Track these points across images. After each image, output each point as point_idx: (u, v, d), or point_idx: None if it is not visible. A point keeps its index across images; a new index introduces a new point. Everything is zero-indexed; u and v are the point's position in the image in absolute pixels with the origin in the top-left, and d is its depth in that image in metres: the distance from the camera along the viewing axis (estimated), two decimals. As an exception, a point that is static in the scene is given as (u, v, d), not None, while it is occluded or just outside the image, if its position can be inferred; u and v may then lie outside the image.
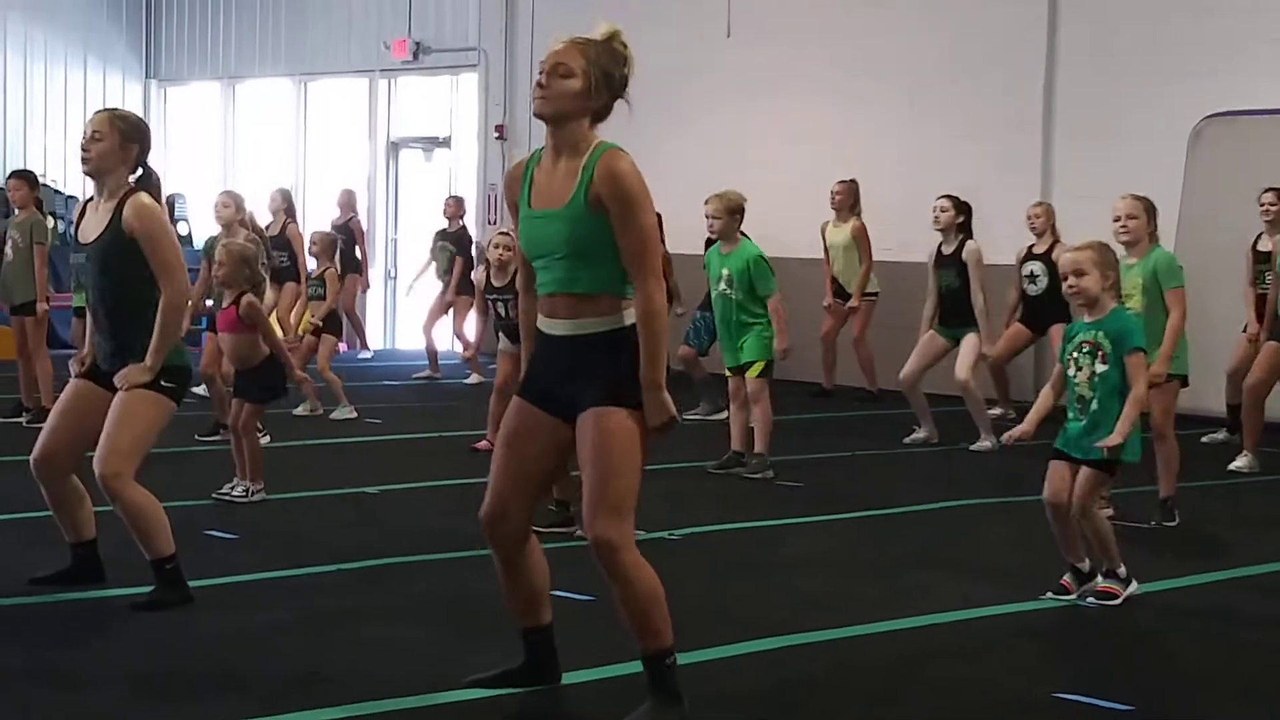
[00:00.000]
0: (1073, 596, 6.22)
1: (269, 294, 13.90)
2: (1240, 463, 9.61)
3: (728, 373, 9.31)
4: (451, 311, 14.60)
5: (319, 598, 6.05)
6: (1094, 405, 6.12)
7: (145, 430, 5.72)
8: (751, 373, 9.12)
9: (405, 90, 18.68)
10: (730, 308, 9.12)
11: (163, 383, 5.72)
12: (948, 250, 10.40)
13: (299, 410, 11.47)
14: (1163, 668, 5.55)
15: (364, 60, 18.46)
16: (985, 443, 10.39)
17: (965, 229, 10.45)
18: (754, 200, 12.81)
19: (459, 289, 14.17)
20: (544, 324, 4.51)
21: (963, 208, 10.45)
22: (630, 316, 4.38)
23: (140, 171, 5.92)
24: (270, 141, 19.55)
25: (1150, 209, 7.73)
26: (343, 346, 16.09)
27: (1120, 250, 7.52)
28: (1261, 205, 10.18)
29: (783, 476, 9.19)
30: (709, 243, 10.02)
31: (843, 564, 7.02)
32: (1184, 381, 7.74)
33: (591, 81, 4.36)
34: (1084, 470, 6.14)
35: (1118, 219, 7.62)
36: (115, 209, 5.76)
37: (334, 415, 11.38)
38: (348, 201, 16.23)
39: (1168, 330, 7.43)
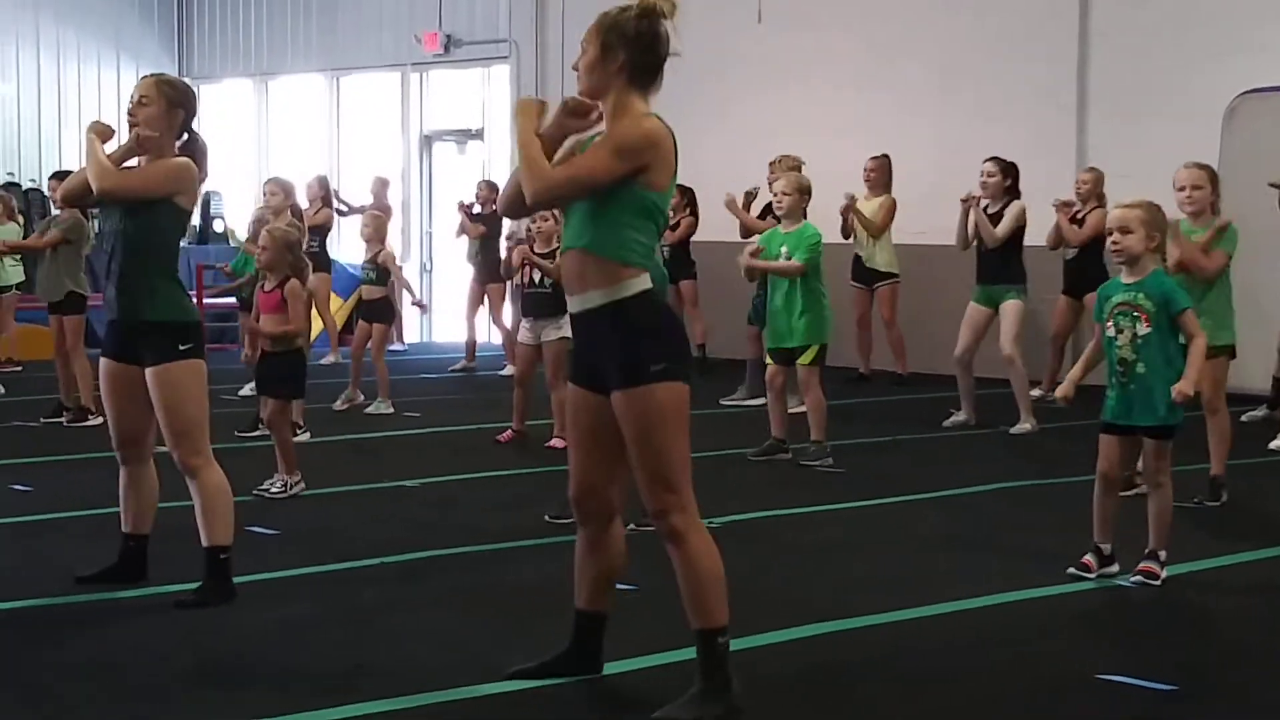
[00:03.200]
0: (1093, 576, 6.20)
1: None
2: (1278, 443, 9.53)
3: (768, 360, 9.29)
4: (487, 300, 14.61)
5: (360, 591, 6.08)
6: (1139, 368, 6.07)
7: (197, 400, 5.80)
8: (804, 360, 9.09)
9: (437, 83, 18.70)
10: (787, 289, 9.09)
11: (180, 347, 5.77)
12: (993, 211, 10.44)
13: (337, 405, 11.50)
14: (1205, 647, 5.51)
15: (395, 54, 18.49)
16: (1025, 425, 10.35)
17: (1013, 191, 10.46)
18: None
19: (492, 277, 14.14)
20: (570, 301, 4.55)
21: (1010, 170, 10.45)
22: (635, 286, 4.39)
23: (186, 137, 5.95)
24: (303, 137, 19.61)
25: (1213, 177, 7.66)
26: (398, 345, 15.96)
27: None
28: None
29: (826, 462, 9.16)
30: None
31: (883, 549, 7.01)
32: (1232, 353, 7.67)
33: (600, 46, 4.40)
34: (1147, 443, 6.12)
35: (1182, 189, 7.54)
36: None
37: (369, 409, 11.32)
38: (381, 189, 16.25)
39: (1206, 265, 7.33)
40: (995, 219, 10.43)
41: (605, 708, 4.67)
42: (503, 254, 13.24)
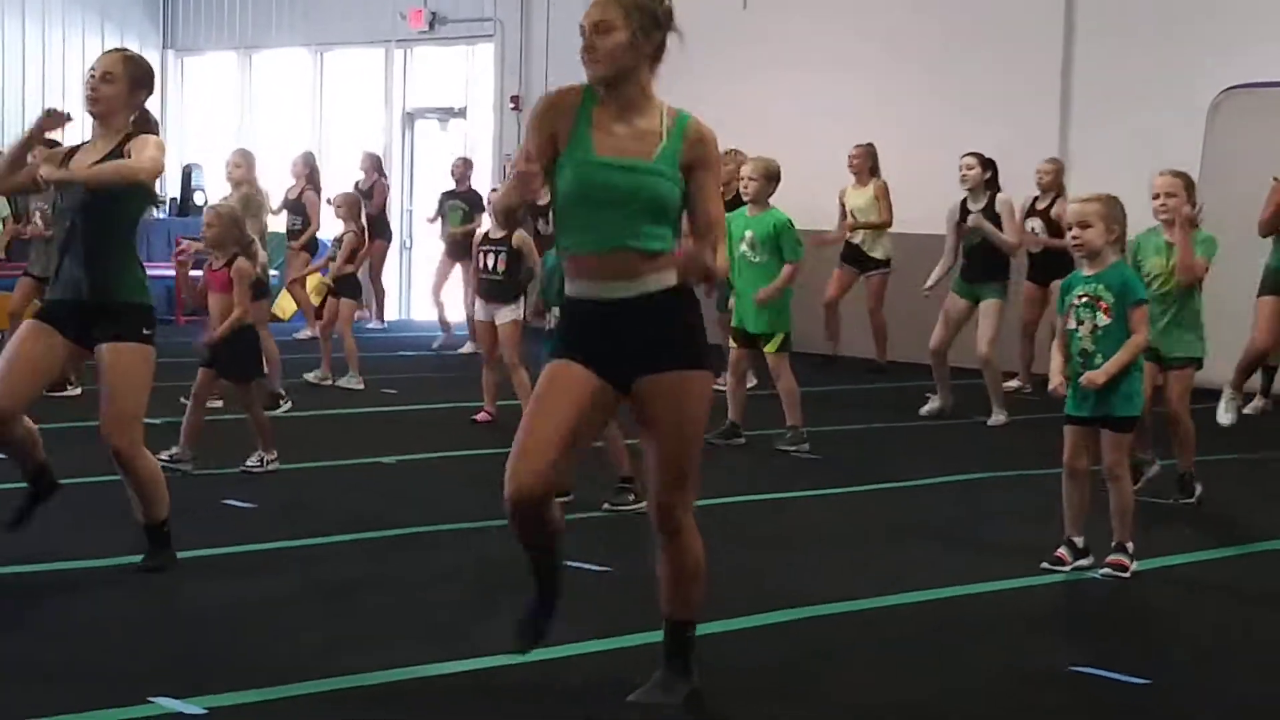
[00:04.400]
0: (1066, 569, 6.22)
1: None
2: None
3: (732, 343, 9.30)
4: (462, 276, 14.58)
5: (337, 567, 6.07)
6: (1098, 360, 6.10)
7: (146, 388, 5.72)
8: (770, 348, 9.12)
9: (421, 60, 18.64)
10: (751, 271, 9.11)
11: (144, 330, 5.70)
12: (975, 207, 10.40)
13: (310, 376, 11.48)
14: (1179, 642, 5.55)
15: (380, 30, 18.42)
16: (999, 417, 10.39)
17: (993, 185, 10.46)
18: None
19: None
20: (589, 288, 4.24)
21: (989, 164, 10.46)
22: (674, 275, 4.25)
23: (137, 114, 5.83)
24: (286, 112, 19.52)
25: (1189, 185, 7.63)
26: (363, 313, 16.02)
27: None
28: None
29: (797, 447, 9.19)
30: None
31: (857, 537, 7.02)
32: (1199, 365, 7.68)
33: (635, 26, 4.15)
34: (1104, 434, 6.15)
35: (1156, 196, 7.47)
36: (116, 149, 5.69)
37: (340, 382, 11.35)
38: (372, 165, 16.19)
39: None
40: (980, 215, 10.38)
41: (579, 687, 4.66)
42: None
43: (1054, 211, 11.44)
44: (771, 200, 9.32)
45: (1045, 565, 6.24)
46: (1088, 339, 6.15)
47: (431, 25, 17.88)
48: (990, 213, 10.36)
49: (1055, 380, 6.29)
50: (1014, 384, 11.72)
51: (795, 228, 9.20)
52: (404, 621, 5.29)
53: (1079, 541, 6.26)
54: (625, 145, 4.18)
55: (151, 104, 6.02)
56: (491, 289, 9.54)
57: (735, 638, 5.21)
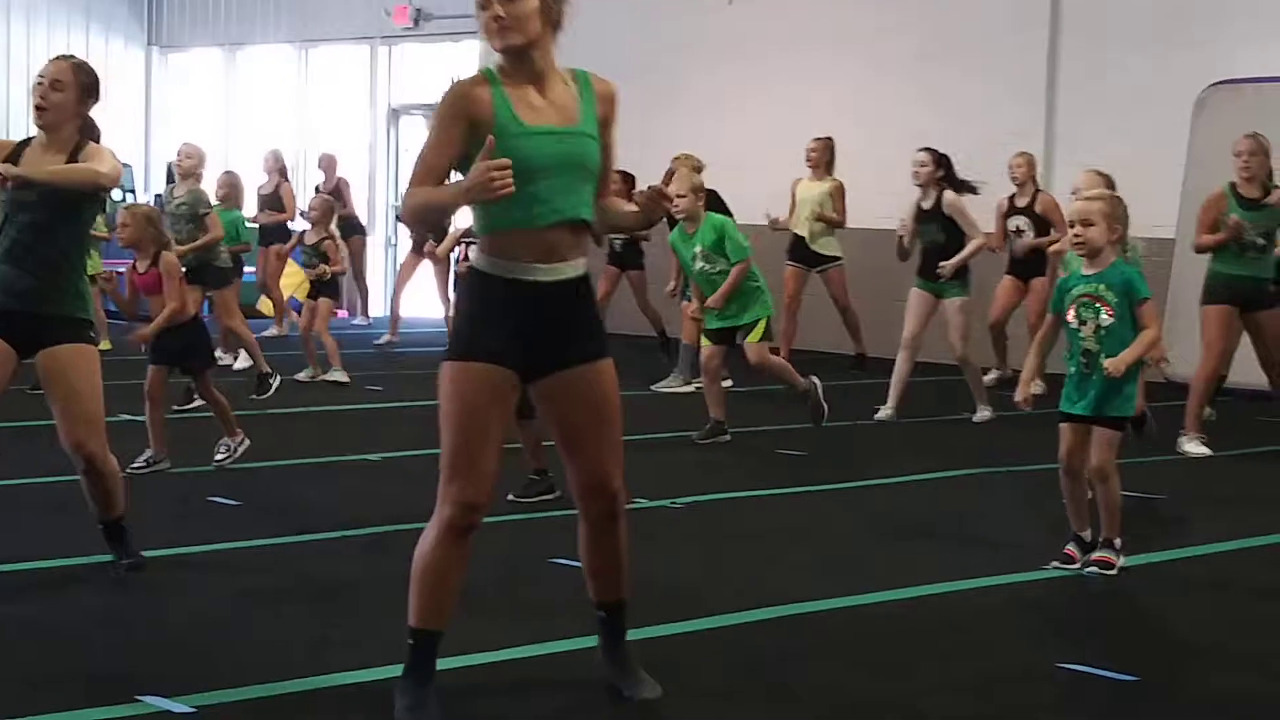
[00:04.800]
0: (1077, 566, 6.22)
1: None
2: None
3: (704, 342, 9.30)
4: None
5: (324, 564, 6.06)
6: (1101, 359, 6.07)
7: (99, 391, 5.66)
8: (752, 337, 9.14)
9: (406, 57, 18.61)
10: (707, 279, 9.17)
11: (91, 333, 5.67)
12: (928, 205, 10.30)
13: (300, 376, 11.51)
14: (1166, 638, 5.56)
15: (365, 27, 18.39)
16: (985, 413, 10.39)
17: (946, 181, 10.37)
18: (741, 169, 12.85)
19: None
20: (516, 268, 4.07)
21: (942, 161, 10.39)
22: (586, 263, 4.20)
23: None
24: (271, 108, 19.48)
25: (1110, 185, 7.63)
26: (342, 313, 16.15)
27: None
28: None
29: (784, 445, 9.19)
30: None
31: (843, 533, 7.02)
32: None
33: None
34: (1098, 432, 6.12)
35: (1075, 191, 7.46)
36: (70, 159, 5.58)
37: (327, 376, 11.54)
38: (330, 165, 16.23)
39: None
40: (933, 213, 10.26)
41: (569, 682, 4.65)
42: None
43: (1036, 206, 11.45)
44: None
45: (1054, 564, 6.22)
46: (1091, 339, 6.10)
47: (416, 22, 17.86)
48: (938, 213, 10.25)
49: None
50: (993, 376, 11.72)
51: (735, 225, 9.31)
52: (391, 619, 5.26)
53: (1086, 537, 6.25)
54: (551, 115, 4.10)
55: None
56: None
57: (720, 634, 5.20)
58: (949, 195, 10.28)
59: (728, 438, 9.24)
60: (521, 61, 4.10)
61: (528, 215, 4.05)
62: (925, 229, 10.30)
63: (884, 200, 12.95)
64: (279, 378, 10.31)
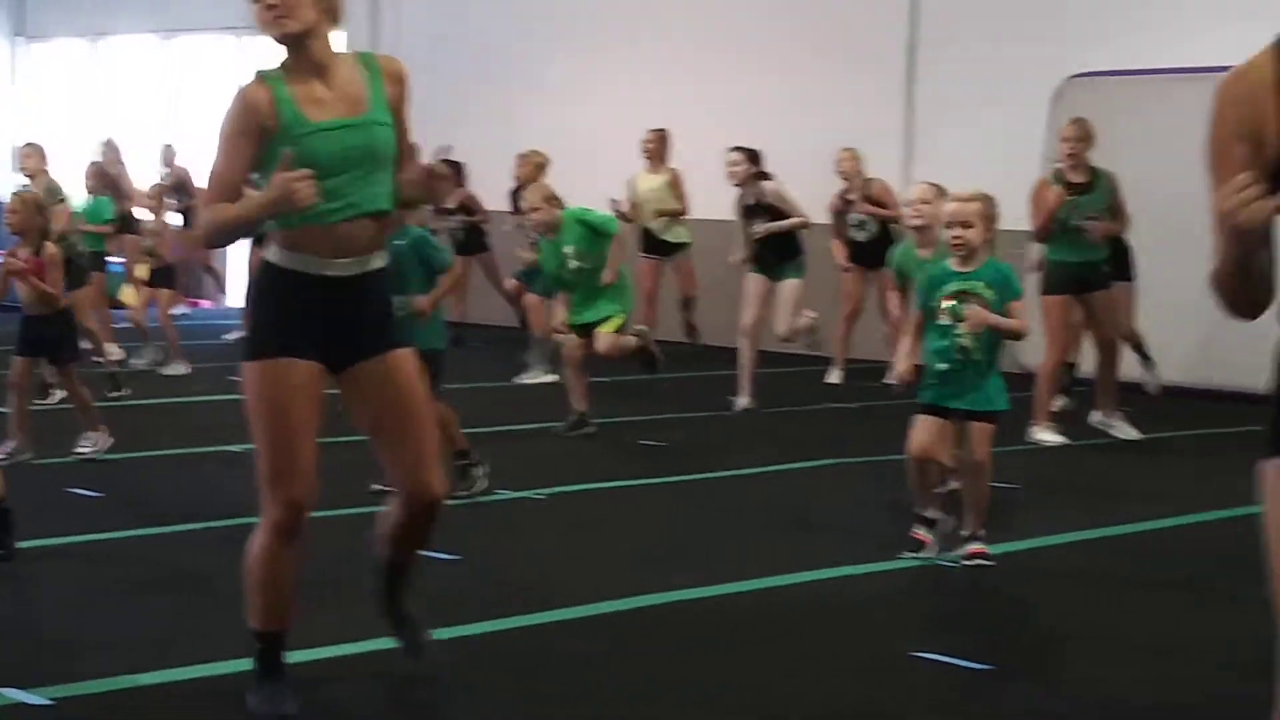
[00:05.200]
0: (928, 548, 6.26)
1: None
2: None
3: (567, 335, 9.31)
4: None
5: (183, 555, 6.00)
6: (977, 355, 6.15)
7: None
8: (606, 328, 9.19)
9: (274, 48, 18.35)
10: (584, 276, 9.20)
11: None
12: (751, 201, 10.48)
13: (140, 363, 11.48)
14: (1019, 627, 5.64)
15: (231, 17, 18.09)
16: (835, 375, 10.68)
17: (762, 176, 10.53)
18: (594, 157, 12.83)
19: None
20: (312, 262, 3.98)
21: (753, 156, 10.55)
22: (384, 257, 4.13)
23: None
24: (136, 99, 19.15)
25: (942, 194, 7.70)
26: (202, 302, 15.91)
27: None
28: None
29: (646, 436, 9.23)
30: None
31: (701, 524, 7.05)
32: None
33: None
34: (977, 427, 6.17)
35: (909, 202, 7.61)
36: None
37: (166, 370, 11.51)
38: (169, 157, 16.06)
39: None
40: (757, 207, 10.40)
41: (426, 674, 4.64)
42: None
43: (874, 193, 11.59)
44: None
45: (906, 553, 6.26)
46: (968, 336, 6.13)
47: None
48: (762, 204, 10.40)
49: (903, 365, 6.33)
50: (837, 375, 11.84)
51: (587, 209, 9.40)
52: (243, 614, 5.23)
53: (931, 515, 6.30)
54: (338, 108, 4.01)
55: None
56: None
57: (573, 625, 5.21)
58: (768, 184, 10.48)
59: (592, 429, 9.27)
60: (301, 53, 4.02)
61: (326, 213, 3.94)
62: (754, 224, 10.46)
63: (727, 193, 13.05)
64: (129, 390, 10.14)
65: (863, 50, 13.68)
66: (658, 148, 12.80)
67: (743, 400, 10.45)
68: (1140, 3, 12.14)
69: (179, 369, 11.54)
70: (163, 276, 11.88)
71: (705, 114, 13.70)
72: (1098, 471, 8.76)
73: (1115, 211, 9.52)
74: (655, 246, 12.86)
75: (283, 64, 4.05)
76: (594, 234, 9.19)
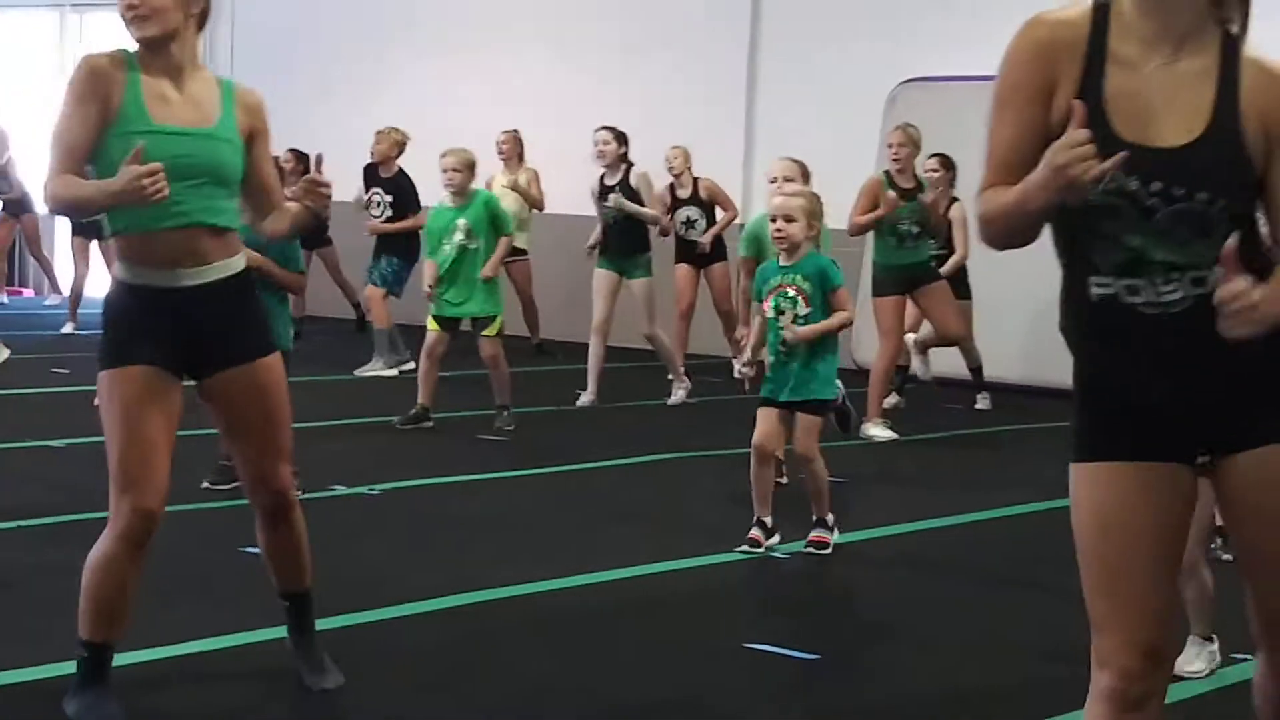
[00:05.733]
0: (761, 549, 6.35)
1: None
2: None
3: (433, 326, 9.21)
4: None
5: (-3, 556, 5.80)
6: (799, 348, 6.27)
7: None
8: (490, 331, 9.19)
9: (99, 25, 17.91)
10: (468, 259, 9.10)
11: None
12: (612, 181, 10.48)
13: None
14: (851, 617, 5.74)
15: (55, -8, 17.65)
16: (680, 393, 10.61)
17: (626, 159, 10.55)
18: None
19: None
20: (155, 275, 3.94)
21: (623, 139, 10.57)
22: (243, 259, 4.11)
23: None
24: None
25: (805, 171, 7.86)
26: (30, 292, 15.47)
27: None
28: (926, 170, 10.36)
29: (486, 431, 9.18)
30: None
31: (542, 518, 7.05)
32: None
33: None
34: (801, 418, 6.30)
35: (774, 179, 7.64)
36: None
37: None
38: (2, 140, 15.59)
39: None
40: (617, 188, 10.42)
41: (256, 673, 4.57)
42: None
43: (702, 194, 11.60)
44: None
45: (742, 549, 6.33)
46: (788, 329, 6.28)
47: (111, -11, 17.22)
48: (627, 188, 10.45)
49: (746, 356, 6.46)
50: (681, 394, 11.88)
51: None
52: (66, 613, 5.07)
53: (768, 521, 6.40)
54: (183, 113, 3.96)
55: None
56: None
57: (416, 620, 5.18)
58: (638, 169, 10.52)
59: (430, 424, 9.19)
60: (158, 53, 3.97)
61: (155, 217, 3.88)
62: (609, 209, 10.46)
63: (581, 190, 13.04)
64: None
65: (705, 49, 13.74)
66: (512, 148, 12.74)
67: (587, 396, 10.42)
68: (971, 11, 12.37)
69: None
70: None
71: (547, 112, 13.65)
72: (925, 466, 8.91)
73: (938, 223, 9.92)
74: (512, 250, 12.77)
75: (139, 55, 3.99)
76: (492, 222, 9.15)
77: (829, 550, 6.37)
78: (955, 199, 10.41)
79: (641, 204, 10.47)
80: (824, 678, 4.86)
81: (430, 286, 9.12)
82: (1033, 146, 2.58)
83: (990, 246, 2.69)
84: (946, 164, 10.34)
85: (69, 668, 4.27)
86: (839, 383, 6.67)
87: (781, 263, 6.39)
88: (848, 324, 6.46)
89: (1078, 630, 5.46)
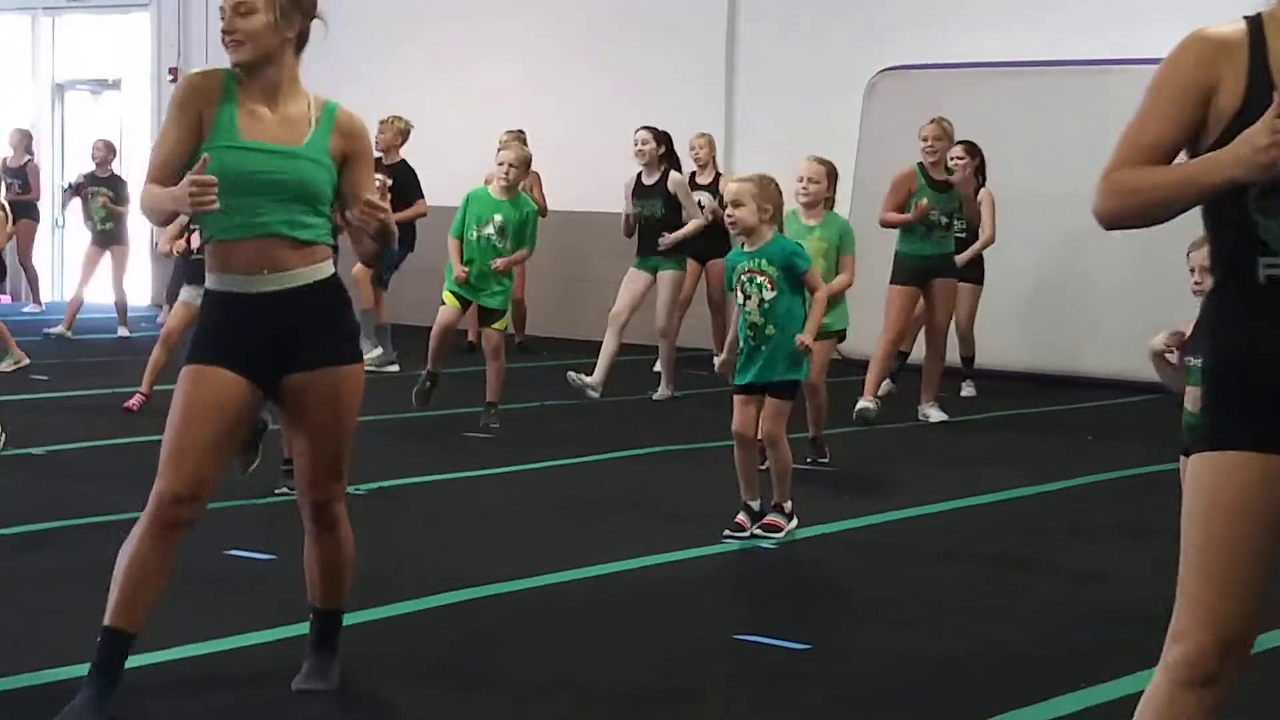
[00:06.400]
0: (746, 534, 6.38)
1: None
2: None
3: (451, 302, 9.12)
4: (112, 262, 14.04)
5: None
6: (768, 330, 6.31)
7: None
8: (500, 325, 9.19)
9: (70, 29, 17.83)
10: (489, 254, 9.06)
11: None
12: (649, 181, 10.49)
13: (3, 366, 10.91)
14: (839, 606, 5.73)
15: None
16: (666, 391, 10.58)
17: (668, 159, 10.56)
18: (435, 148, 12.74)
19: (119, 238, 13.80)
20: (236, 281, 4.11)
21: (663, 138, 10.56)
22: (330, 266, 4.21)
23: None
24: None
25: (832, 173, 8.05)
26: (4, 299, 15.42)
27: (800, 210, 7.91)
28: (953, 159, 10.31)
29: (472, 427, 9.14)
30: None
31: (534, 513, 7.03)
32: (841, 336, 8.17)
33: (277, 10, 4.05)
34: (770, 401, 6.35)
35: (800, 179, 7.87)
36: None
37: (1, 368, 10.91)
38: (21, 142, 15.50)
39: (831, 288, 7.39)
40: (655, 188, 10.44)
41: (246, 677, 4.53)
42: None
43: (721, 186, 11.61)
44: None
45: (726, 534, 6.36)
46: (755, 312, 6.34)
47: (83, -9, 17.14)
48: (661, 189, 10.43)
49: (727, 359, 6.47)
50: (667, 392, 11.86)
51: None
52: (54, 619, 5.04)
53: (755, 505, 6.43)
54: (274, 131, 4.10)
55: None
56: (195, 270, 9.29)
57: (412, 619, 5.15)
58: (675, 175, 10.54)
59: (429, 390, 9.18)
60: (255, 75, 4.11)
61: (235, 227, 4.07)
62: (646, 204, 10.46)
63: (564, 183, 13.03)
64: None
65: (683, 39, 13.72)
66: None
67: (593, 388, 10.36)
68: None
69: (6, 366, 10.85)
70: None
71: (527, 105, 13.61)
72: (913, 451, 8.91)
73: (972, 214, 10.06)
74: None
75: (238, 73, 4.14)
76: (522, 230, 9.13)
77: (781, 535, 6.38)
78: (983, 184, 10.42)
79: (678, 205, 10.43)
80: (813, 666, 4.84)
81: (464, 268, 9.05)
82: (1176, 143, 2.78)
83: (1109, 222, 2.78)
84: (972, 151, 10.34)
85: (46, 677, 4.25)
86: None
87: (746, 249, 6.41)
88: (824, 303, 6.51)
89: (1072, 612, 5.51)
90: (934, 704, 4.54)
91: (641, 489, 7.67)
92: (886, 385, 10.25)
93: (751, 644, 4.98)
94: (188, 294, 9.27)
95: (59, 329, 13.65)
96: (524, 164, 9.28)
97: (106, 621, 4.09)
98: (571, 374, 10.33)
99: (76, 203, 14.32)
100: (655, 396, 10.58)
